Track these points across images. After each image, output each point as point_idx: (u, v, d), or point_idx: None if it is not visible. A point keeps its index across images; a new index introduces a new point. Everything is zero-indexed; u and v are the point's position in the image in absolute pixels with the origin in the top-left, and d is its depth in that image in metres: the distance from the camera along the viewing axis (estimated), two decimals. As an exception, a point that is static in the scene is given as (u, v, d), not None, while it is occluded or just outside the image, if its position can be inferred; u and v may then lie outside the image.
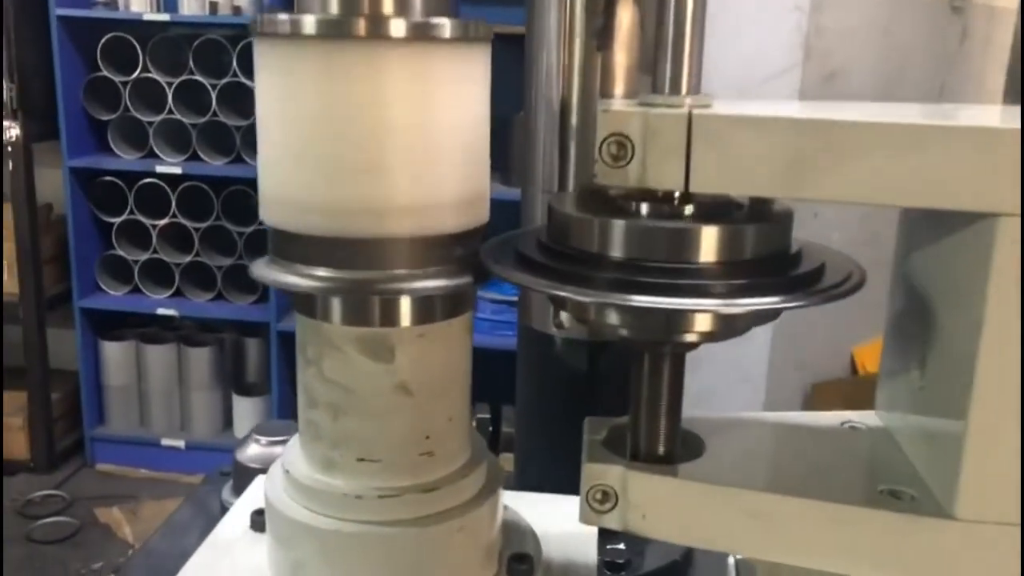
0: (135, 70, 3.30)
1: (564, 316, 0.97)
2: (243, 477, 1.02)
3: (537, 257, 0.62)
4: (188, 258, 3.48)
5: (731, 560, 0.77)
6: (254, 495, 0.84)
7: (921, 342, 0.65)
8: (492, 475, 0.72)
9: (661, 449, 0.67)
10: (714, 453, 0.68)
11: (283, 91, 0.61)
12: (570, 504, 0.67)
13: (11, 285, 3.44)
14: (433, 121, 0.61)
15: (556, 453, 0.99)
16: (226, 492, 1.16)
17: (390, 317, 0.65)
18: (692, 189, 0.58)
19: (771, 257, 0.61)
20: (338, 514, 0.66)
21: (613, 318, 0.62)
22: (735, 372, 2.88)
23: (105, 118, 3.39)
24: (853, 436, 0.71)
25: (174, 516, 1.11)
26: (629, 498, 0.64)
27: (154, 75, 3.30)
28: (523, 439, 1.03)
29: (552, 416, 1.00)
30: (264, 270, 0.64)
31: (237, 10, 3.39)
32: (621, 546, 0.88)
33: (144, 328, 3.70)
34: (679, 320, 0.61)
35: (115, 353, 3.64)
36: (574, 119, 0.93)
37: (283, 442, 0.90)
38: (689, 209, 0.62)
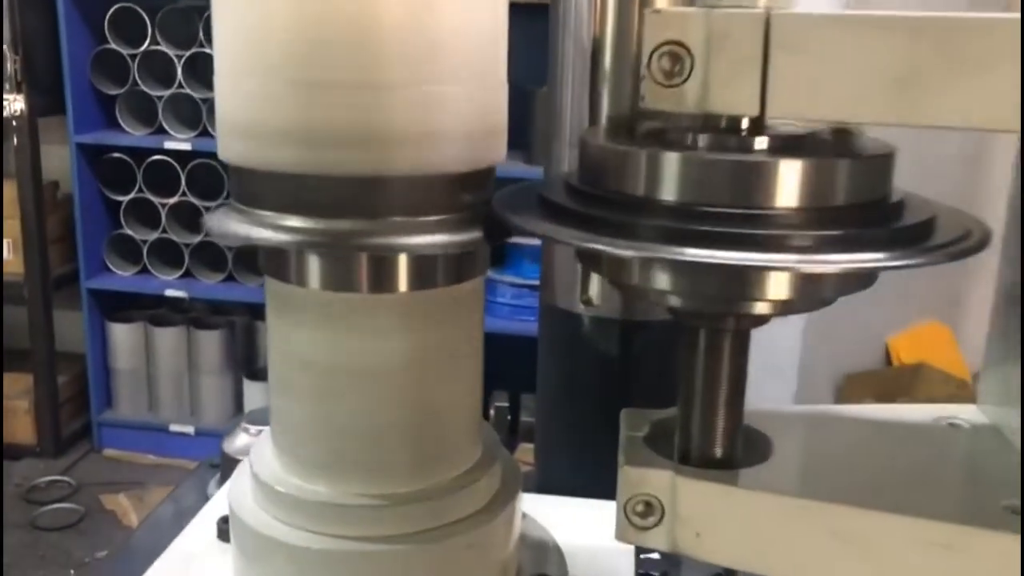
0: (144, 42, 3.18)
1: (593, 291, 0.84)
2: (231, 470, 0.90)
3: (565, 203, 0.49)
4: (198, 238, 3.36)
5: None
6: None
7: (1047, 320, 0.51)
8: (508, 479, 0.59)
9: (718, 450, 0.53)
10: (784, 456, 0.54)
11: (243, -14, 0.48)
12: (601, 510, 0.54)
13: (16, 265, 3.33)
14: (437, 25, 0.47)
15: (583, 449, 0.86)
16: (212, 486, 1.05)
17: (382, 280, 0.52)
18: (770, 114, 0.45)
19: (868, 205, 0.47)
20: (316, 527, 0.53)
21: (662, 281, 0.49)
22: (763, 360, 2.73)
23: (113, 92, 3.27)
24: (955, 436, 0.57)
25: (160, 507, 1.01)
26: (679, 511, 0.51)
27: (163, 48, 3.17)
28: (545, 433, 0.90)
29: (579, 406, 0.87)
30: (221, 221, 0.51)
31: (250, -19, 3.25)
32: (655, 555, 0.75)
33: (153, 310, 3.59)
34: (749, 284, 0.47)
35: (123, 336, 3.53)
36: (607, 60, 0.79)
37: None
38: (761, 143, 0.48)
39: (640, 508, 0.52)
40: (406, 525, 0.53)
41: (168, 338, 3.54)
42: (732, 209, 0.45)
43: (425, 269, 0.52)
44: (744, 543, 0.51)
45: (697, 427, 0.53)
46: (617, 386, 0.86)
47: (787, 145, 0.48)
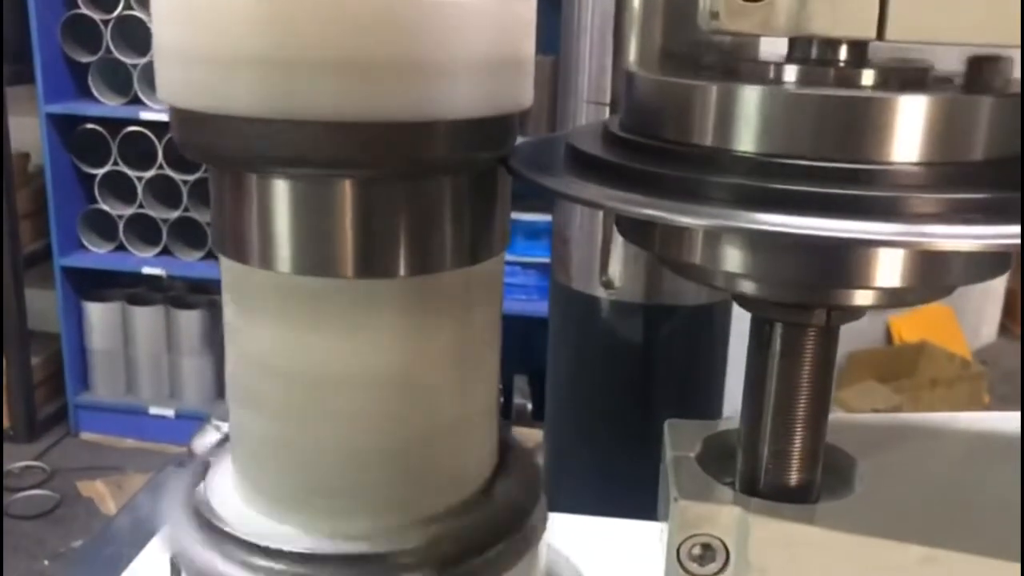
0: (117, 7, 3.03)
1: (614, 271, 0.72)
2: (199, 472, 0.79)
3: (606, 156, 0.37)
4: (177, 213, 3.23)
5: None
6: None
7: None
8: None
9: (794, 477, 0.42)
10: (876, 483, 0.43)
11: None
12: (627, 533, 0.43)
13: (-15, 241, 3.20)
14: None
15: (598, 457, 0.75)
16: (179, 489, 0.93)
17: (372, 261, 0.40)
18: (892, 35, 0.33)
19: (1012, 161, 0.36)
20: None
21: (732, 260, 0.37)
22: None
23: (85, 60, 3.12)
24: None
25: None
26: (750, 558, 0.40)
27: (138, 13, 3.02)
28: (557, 436, 0.78)
29: (595, 404, 0.75)
30: None
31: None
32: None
33: (130, 289, 3.47)
34: (852, 265, 0.36)
35: (99, 315, 3.41)
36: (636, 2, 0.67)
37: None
38: (868, 77, 0.36)
39: (697, 552, 0.41)
40: None
41: (146, 317, 3.41)
42: (839, 164, 0.33)
43: (427, 247, 0.40)
44: (832, 597, 0.40)
45: (769, 448, 0.42)
46: (639, 381, 0.75)
47: (905, 81, 0.36)
